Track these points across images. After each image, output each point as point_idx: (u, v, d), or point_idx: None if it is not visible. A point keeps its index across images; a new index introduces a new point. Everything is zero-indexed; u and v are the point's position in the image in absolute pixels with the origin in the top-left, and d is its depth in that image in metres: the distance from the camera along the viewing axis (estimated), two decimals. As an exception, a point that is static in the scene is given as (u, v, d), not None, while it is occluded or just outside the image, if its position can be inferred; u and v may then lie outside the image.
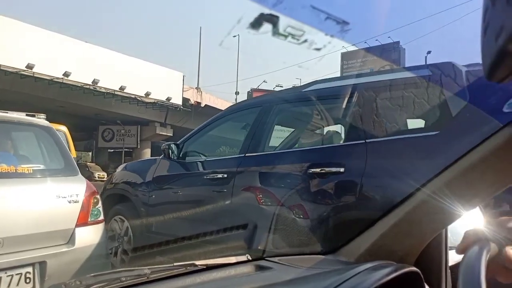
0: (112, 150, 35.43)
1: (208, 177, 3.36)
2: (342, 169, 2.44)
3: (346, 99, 2.74)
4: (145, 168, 4.08)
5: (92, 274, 0.76)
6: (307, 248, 2.14)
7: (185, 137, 3.95)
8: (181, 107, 28.21)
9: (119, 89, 24.41)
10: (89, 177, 29.18)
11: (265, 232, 2.18)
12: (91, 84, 22.97)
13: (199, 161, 3.67)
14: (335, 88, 2.99)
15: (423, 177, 0.90)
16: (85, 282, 0.74)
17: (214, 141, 4.37)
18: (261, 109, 3.38)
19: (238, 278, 0.85)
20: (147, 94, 26.05)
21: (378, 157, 2.37)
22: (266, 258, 0.95)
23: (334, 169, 2.48)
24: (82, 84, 22.62)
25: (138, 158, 31.31)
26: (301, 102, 3.31)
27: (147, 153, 32.83)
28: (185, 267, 0.85)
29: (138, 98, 25.79)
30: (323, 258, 0.99)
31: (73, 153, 6.25)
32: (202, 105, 30.17)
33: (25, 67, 19.87)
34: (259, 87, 27.10)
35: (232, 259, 0.93)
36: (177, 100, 27.85)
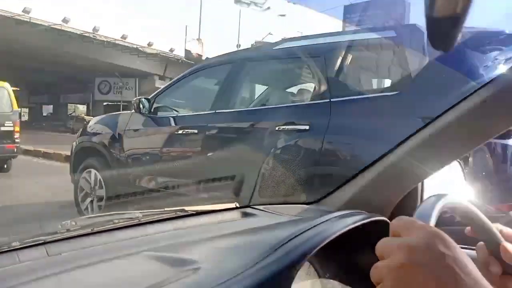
0: (107, 104, 33.71)
1: (179, 132, 3.40)
2: (318, 126, 2.50)
3: (313, 58, 2.79)
4: (117, 121, 4.10)
5: (86, 216, 0.82)
6: (292, 198, 2.23)
7: (157, 91, 3.96)
8: (184, 59, 26.94)
9: (121, 37, 23.37)
10: None
11: (252, 184, 2.27)
12: (91, 32, 21.92)
13: (171, 116, 3.69)
14: (303, 47, 3.01)
15: (403, 134, 0.94)
16: (80, 223, 0.81)
17: (186, 96, 4.40)
18: (232, 66, 3.38)
19: (224, 223, 0.91)
20: (150, 45, 24.97)
21: (360, 115, 2.42)
22: (252, 206, 1.02)
23: (313, 125, 2.54)
24: (82, 32, 21.54)
25: None
26: (271, 60, 3.33)
27: None
28: (175, 212, 0.91)
29: (140, 49, 24.79)
30: (306, 207, 1.05)
31: (15, 106, 7.97)
32: (203, 57, 28.89)
33: (22, 11, 18.70)
34: (264, 40, 25.86)
35: (221, 206, 0.99)
36: (179, 52, 26.71)
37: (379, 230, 0.85)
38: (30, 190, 5.79)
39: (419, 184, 0.99)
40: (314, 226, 0.77)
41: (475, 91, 0.82)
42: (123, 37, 23.25)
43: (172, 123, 3.58)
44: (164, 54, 26.28)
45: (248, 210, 1.00)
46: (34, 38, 20.35)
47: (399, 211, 0.99)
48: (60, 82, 34.05)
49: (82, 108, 40.37)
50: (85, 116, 30.01)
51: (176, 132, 3.45)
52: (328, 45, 2.78)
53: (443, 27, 0.44)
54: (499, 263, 0.56)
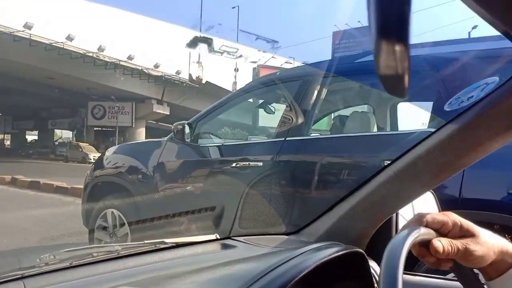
0: (99, 129, 31.95)
1: (237, 165, 2.83)
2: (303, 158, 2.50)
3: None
4: (146, 151, 3.50)
5: (66, 250, 0.82)
6: (272, 228, 2.24)
7: (198, 115, 3.34)
8: (188, 82, 25.66)
9: (127, 58, 21.92)
10: (83, 159, 25.55)
11: (232, 214, 2.27)
12: (95, 51, 20.35)
13: (221, 146, 3.13)
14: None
15: (378, 167, 0.98)
16: (59, 256, 0.81)
17: (232, 121, 3.99)
18: (301, 82, 2.82)
19: (204, 255, 0.92)
20: (156, 66, 23.51)
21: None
22: (233, 238, 1.03)
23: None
24: (85, 51, 19.94)
25: (132, 139, 28.88)
26: (356, 74, 2.75)
27: (141, 134, 29.77)
28: (155, 244, 0.92)
29: (145, 70, 23.16)
30: (286, 238, 1.07)
31: None
32: (204, 81, 26.92)
33: (23, 26, 17.18)
34: (267, 63, 23.10)
35: (201, 238, 1.00)
36: (184, 75, 25.38)
37: (355, 261, 0.88)
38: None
39: (394, 215, 1.02)
40: (292, 258, 0.79)
41: (442, 126, 0.87)
42: (130, 57, 21.97)
43: (222, 155, 3.03)
44: (169, 77, 24.89)
45: (228, 241, 1.01)
46: (30, 57, 18.95)
47: (375, 242, 1.02)
48: (48, 106, 32.17)
49: (66, 135, 38.94)
50: (80, 143, 28.60)
51: (231, 165, 2.90)
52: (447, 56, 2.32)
53: (393, 82, 0.48)
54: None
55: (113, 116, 29.57)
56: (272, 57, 23.59)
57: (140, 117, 29.54)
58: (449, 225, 0.68)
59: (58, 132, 39.26)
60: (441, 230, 0.68)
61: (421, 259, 0.70)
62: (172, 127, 3.22)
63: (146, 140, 4.59)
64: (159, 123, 30.92)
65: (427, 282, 0.99)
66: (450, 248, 0.65)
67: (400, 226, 1.04)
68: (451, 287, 0.94)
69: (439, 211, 1.08)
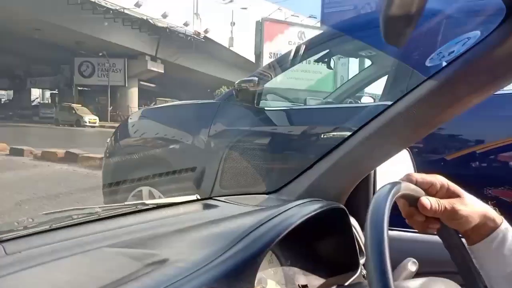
0: (82, 88, 27.79)
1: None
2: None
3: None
4: (191, 117, 2.88)
5: (44, 213, 0.79)
6: (253, 188, 2.26)
7: (259, 71, 2.84)
8: (193, 35, 22.71)
9: (135, 5, 19.27)
10: (77, 122, 22.93)
11: (213, 175, 2.25)
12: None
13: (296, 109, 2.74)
14: None
15: (358, 123, 0.99)
16: (37, 220, 0.78)
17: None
18: None
19: (186, 215, 0.92)
20: (164, 16, 20.75)
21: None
22: (214, 198, 1.03)
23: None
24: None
25: (124, 100, 26.43)
26: None
27: (134, 94, 26.69)
28: (136, 206, 0.90)
29: (150, 21, 20.08)
30: (267, 197, 1.08)
31: None
32: (201, 36, 23.74)
33: None
34: (271, 16, 19.91)
35: (182, 199, 0.99)
36: (174, 22, 22.51)
37: (336, 216, 0.90)
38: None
39: (372, 172, 1.04)
40: (276, 215, 0.79)
41: (422, 82, 0.87)
42: (137, 4, 19.05)
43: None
44: (174, 28, 21.11)
45: (210, 201, 1.01)
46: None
47: (354, 198, 1.04)
48: (27, 63, 27.95)
49: (48, 95, 35.14)
50: (73, 105, 25.22)
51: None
52: None
53: (398, 25, 0.47)
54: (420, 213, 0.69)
55: (104, 74, 26.28)
56: (278, 9, 21.79)
57: (133, 75, 26.32)
58: (437, 185, 0.70)
59: (34, 91, 35.37)
60: (429, 190, 0.70)
61: (409, 220, 0.72)
62: (235, 85, 2.53)
63: (186, 102, 3.67)
64: (149, 84, 28.19)
65: (406, 236, 1.04)
66: (437, 206, 0.67)
67: (378, 183, 1.07)
68: (428, 240, 0.98)
69: (415, 169, 1.11)
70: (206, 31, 23.27)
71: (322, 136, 2.17)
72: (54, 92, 32.37)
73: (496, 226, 0.69)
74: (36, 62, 28.03)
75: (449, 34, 1.79)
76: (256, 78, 2.48)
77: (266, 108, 2.62)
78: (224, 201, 1.00)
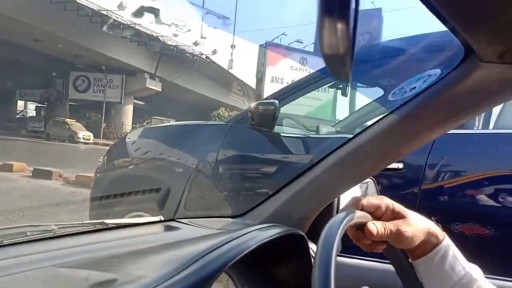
0: (73, 104, 26.81)
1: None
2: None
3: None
4: (201, 139, 2.64)
5: (-5, 228, 0.78)
6: (218, 212, 2.24)
7: (278, 91, 2.62)
8: (202, 56, 22.12)
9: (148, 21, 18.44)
10: (71, 138, 22.02)
11: (178, 197, 2.22)
12: (115, 10, 16.88)
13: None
14: None
15: (322, 153, 1.01)
16: (-12, 235, 0.77)
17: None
18: None
19: (145, 237, 0.91)
20: (175, 35, 20.22)
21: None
22: (177, 220, 1.02)
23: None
24: (98, 8, 16.57)
25: (119, 117, 25.70)
26: None
27: (129, 111, 26.05)
28: (94, 225, 0.89)
29: (160, 37, 19.49)
30: (231, 221, 1.08)
31: None
32: (203, 56, 22.99)
33: None
34: (274, 41, 19.18)
35: (144, 220, 0.99)
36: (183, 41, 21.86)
37: (295, 242, 0.90)
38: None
39: (336, 199, 1.05)
40: (233, 239, 0.79)
41: (384, 116, 0.90)
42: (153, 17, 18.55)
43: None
44: (182, 48, 20.27)
45: (172, 223, 1.00)
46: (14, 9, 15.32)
47: (317, 225, 1.04)
48: (19, 74, 26.24)
49: (32, 108, 32.81)
50: (67, 120, 24.25)
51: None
52: None
53: (337, 64, 0.49)
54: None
55: (99, 90, 25.49)
56: (283, 33, 21.73)
57: (129, 92, 25.71)
58: (382, 208, 0.72)
59: (20, 103, 34.04)
60: (375, 213, 0.72)
61: (357, 242, 0.73)
62: (252, 108, 2.31)
63: (193, 122, 3.29)
64: (139, 102, 27.40)
65: (362, 264, 1.04)
66: (383, 230, 0.69)
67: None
68: (383, 269, 0.98)
69: (378, 195, 1.12)
70: (214, 52, 22.99)
71: (292, 163, 2.19)
72: (40, 105, 31.09)
73: (438, 242, 0.71)
74: (29, 74, 26.91)
75: (411, 71, 1.85)
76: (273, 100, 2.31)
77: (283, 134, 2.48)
78: (186, 224, 1.00)
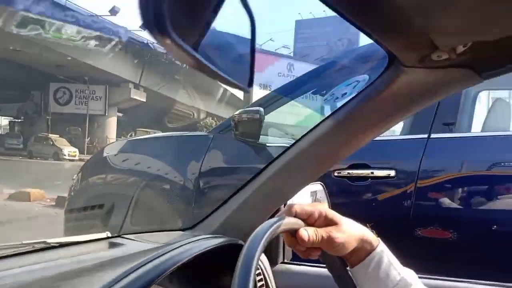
0: (49, 118, 24.91)
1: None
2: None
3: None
4: (179, 151, 2.54)
5: None
6: (168, 225, 2.22)
7: (263, 98, 2.46)
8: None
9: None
10: (56, 154, 20.54)
11: (124, 211, 2.18)
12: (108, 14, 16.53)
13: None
14: None
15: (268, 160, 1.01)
16: None
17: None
18: None
19: (87, 255, 0.90)
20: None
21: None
22: (123, 236, 1.01)
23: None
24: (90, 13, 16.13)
25: (102, 130, 24.64)
26: None
27: (112, 124, 24.90)
28: (33, 245, 0.88)
29: (151, 45, 18.65)
30: (181, 233, 1.07)
31: None
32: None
33: None
34: (262, 48, 19.39)
35: (87, 237, 0.97)
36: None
37: (234, 253, 0.89)
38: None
39: (283, 206, 1.05)
40: (167, 252, 0.79)
41: (321, 122, 0.91)
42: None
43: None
44: (152, 46, 19.21)
45: (118, 240, 0.99)
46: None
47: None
48: None
49: (4, 123, 31.35)
50: (50, 135, 22.76)
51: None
52: None
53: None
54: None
55: (82, 102, 24.11)
56: (270, 39, 21.84)
57: (113, 103, 24.48)
58: (315, 215, 0.72)
59: None
60: (309, 220, 0.72)
61: (292, 248, 0.73)
62: (236, 116, 2.15)
63: (174, 133, 3.36)
64: (118, 114, 26.40)
65: (310, 271, 1.04)
66: (315, 236, 0.69)
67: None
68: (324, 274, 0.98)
69: (328, 201, 1.13)
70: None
71: (249, 169, 2.16)
72: (14, 120, 28.94)
73: (372, 249, 0.72)
74: (4, 87, 24.67)
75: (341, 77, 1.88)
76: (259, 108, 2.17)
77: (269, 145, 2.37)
78: (132, 239, 0.99)
